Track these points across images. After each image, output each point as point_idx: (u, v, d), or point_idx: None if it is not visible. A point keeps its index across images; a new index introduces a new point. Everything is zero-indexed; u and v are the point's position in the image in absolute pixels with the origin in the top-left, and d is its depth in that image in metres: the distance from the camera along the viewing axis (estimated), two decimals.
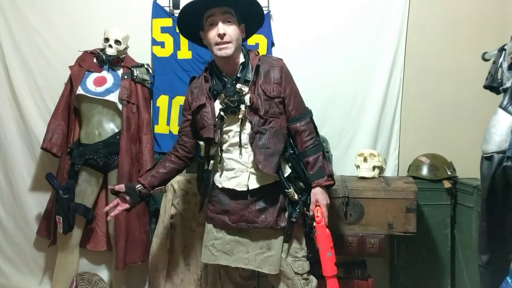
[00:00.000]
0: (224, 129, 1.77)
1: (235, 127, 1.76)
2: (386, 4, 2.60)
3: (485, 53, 1.96)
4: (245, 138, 1.75)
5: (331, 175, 1.81)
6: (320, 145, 1.84)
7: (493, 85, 1.81)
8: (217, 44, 1.70)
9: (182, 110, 1.95)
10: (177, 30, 2.42)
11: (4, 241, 2.76)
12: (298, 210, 1.76)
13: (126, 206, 1.84)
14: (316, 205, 1.77)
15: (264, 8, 1.87)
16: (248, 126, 1.75)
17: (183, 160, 1.94)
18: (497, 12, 2.60)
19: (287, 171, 1.81)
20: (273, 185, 1.77)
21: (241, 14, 1.77)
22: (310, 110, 1.90)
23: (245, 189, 1.75)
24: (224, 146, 1.79)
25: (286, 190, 1.76)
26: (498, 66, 1.79)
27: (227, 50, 1.70)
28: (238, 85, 1.74)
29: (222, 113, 1.74)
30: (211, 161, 1.87)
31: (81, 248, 2.56)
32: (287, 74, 1.82)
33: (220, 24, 1.69)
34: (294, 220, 1.75)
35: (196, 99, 1.81)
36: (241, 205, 1.77)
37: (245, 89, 1.74)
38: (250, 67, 1.78)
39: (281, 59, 1.86)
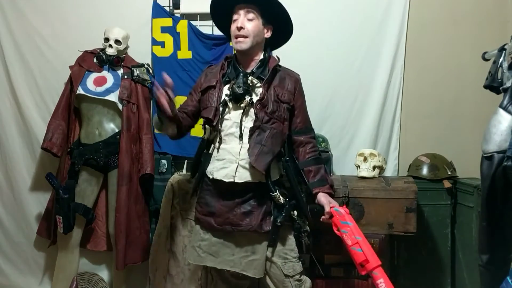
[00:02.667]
0: (225, 116, 1.78)
1: (236, 117, 1.77)
2: (386, 4, 2.60)
3: (485, 53, 1.96)
4: (243, 130, 1.76)
5: (332, 186, 1.86)
6: (321, 159, 1.91)
7: (493, 85, 1.81)
8: (235, 37, 1.77)
9: (190, 90, 1.96)
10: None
11: (4, 241, 2.76)
12: (284, 214, 1.76)
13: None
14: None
15: None
16: (248, 118, 1.76)
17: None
18: (497, 12, 2.60)
19: (275, 176, 1.82)
20: (259, 187, 1.77)
21: (269, 17, 1.82)
22: (313, 129, 1.96)
23: (232, 180, 1.74)
24: (221, 135, 1.80)
25: (271, 194, 1.76)
26: (498, 65, 1.79)
27: (242, 44, 1.76)
28: (250, 78, 1.78)
29: (226, 98, 1.77)
30: (212, 146, 1.86)
31: (81, 248, 2.56)
32: (301, 88, 1.89)
33: (241, 18, 1.77)
34: (278, 224, 1.75)
35: (207, 81, 1.86)
36: (226, 208, 1.77)
37: (257, 83, 1.79)
38: (268, 67, 1.81)
39: (298, 74, 1.92)
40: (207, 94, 1.83)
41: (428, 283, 2.45)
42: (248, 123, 1.76)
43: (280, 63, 1.87)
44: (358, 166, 2.41)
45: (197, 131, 2.23)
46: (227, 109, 1.78)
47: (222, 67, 1.86)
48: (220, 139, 1.79)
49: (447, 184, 2.43)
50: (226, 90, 1.80)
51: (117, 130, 2.47)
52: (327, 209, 1.76)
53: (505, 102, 1.67)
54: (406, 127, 2.68)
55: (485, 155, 1.73)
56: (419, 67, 2.65)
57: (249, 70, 1.81)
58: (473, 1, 2.63)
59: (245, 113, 1.76)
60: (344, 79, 2.64)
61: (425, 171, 2.48)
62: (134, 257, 2.46)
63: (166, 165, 2.57)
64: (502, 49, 1.80)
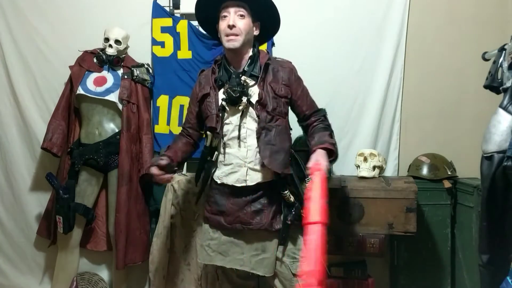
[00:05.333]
0: (225, 121, 1.78)
1: (235, 120, 1.76)
2: (386, 4, 2.60)
3: (485, 53, 1.96)
4: (244, 132, 1.75)
5: (333, 144, 1.73)
6: (328, 128, 1.83)
7: (493, 85, 1.81)
8: (226, 35, 1.74)
9: (189, 102, 1.96)
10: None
11: (4, 241, 2.76)
12: (294, 213, 1.76)
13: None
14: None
15: None
16: (248, 120, 1.75)
17: (193, 141, 1.98)
18: (497, 12, 2.60)
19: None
20: (269, 186, 1.77)
21: (257, 14, 1.80)
22: (324, 109, 1.90)
23: (244, 184, 1.75)
24: (225, 139, 1.79)
25: (281, 192, 1.75)
26: (498, 65, 1.79)
27: (235, 42, 1.73)
28: (243, 78, 1.75)
29: (223, 103, 1.76)
30: (215, 153, 1.84)
31: (81, 248, 2.56)
32: (297, 77, 1.85)
33: (232, 16, 1.73)
34: (289, 222, 1.75)
35: (202, 89, 1.84)
36: (237, 206, 1.76)
37: (250, 82, 1.76)
38: (259, 64, 1.79)
39: (290, 62, 1.88)
40: (205, 103, 1.82)
41: (428, 283, 2.45)
42: (249, 124, 1.75)
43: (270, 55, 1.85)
44: (358, 166, 2.41)
45: None
46: (226, 114, 1.77)
47: (213, 71, 1.84)
48: (224, 144, 1.79)
49: (447, 184, 2.43)
50: (221, 94, 1.78)
51: (117, 130, 2.47)
52: (309, 164, 1.62)
53: (505, 102, 1.67)
54: (406, 127, 2.68)
55: (485, 155, 1.72)
56: (419, 67, 2.65)
57: (240, 70, 1.79)
58: (473, 1, 2.62)
59: (244, 115, 1.76)
60: (344, 79, 2.64)
61: (425, 171, 2.47)
62: (134, 257, 2.46)
63: None
64: (502, 49, 1.80)
